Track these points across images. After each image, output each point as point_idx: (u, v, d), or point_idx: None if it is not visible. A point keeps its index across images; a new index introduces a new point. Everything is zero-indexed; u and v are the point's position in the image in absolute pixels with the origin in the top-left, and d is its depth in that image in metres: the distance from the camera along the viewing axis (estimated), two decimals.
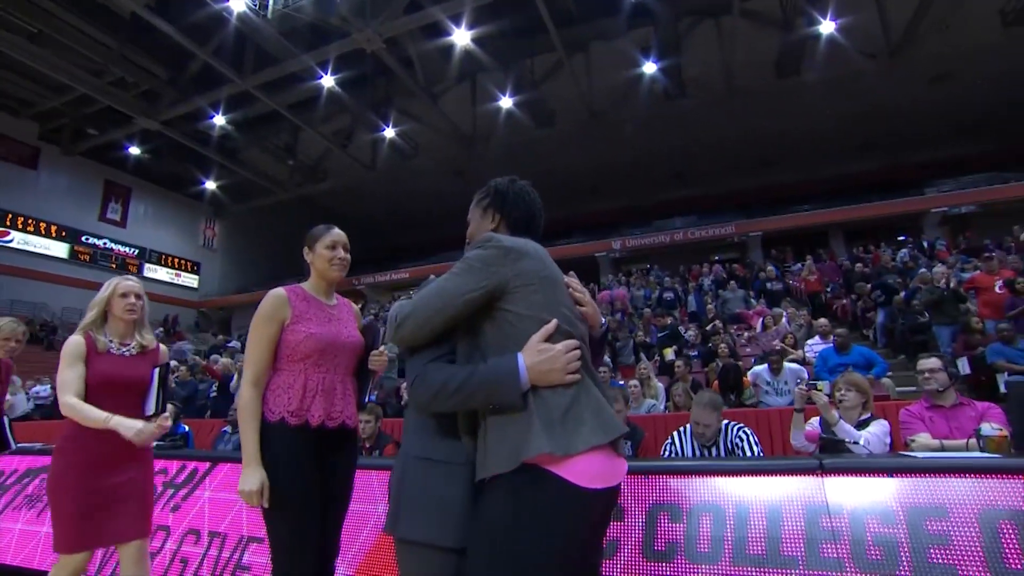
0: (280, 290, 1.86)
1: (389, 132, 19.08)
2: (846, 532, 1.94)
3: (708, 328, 7.82)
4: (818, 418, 2.88)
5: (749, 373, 5.53)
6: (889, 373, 5.71)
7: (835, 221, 18.12)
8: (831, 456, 2.22)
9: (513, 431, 1.15)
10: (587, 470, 1.12)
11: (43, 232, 20.61)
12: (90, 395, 2.12)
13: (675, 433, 3.00)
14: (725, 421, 2.90)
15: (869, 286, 8.97)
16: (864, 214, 17.56)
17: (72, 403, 2.06)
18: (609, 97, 17.37)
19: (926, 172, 18.97)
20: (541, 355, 1.18)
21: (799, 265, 11.82)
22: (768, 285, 9.58)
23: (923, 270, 8.41)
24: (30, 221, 20.41)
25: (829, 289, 10.37)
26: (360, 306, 21.71)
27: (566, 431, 1.13)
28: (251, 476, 1.64)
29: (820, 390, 2.77)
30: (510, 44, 16.04)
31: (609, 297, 11.04)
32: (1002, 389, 5.30)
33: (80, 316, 2.40)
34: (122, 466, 2.15)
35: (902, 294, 7.95)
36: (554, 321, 1.23)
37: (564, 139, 19.47)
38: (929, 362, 2.98)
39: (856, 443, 2.56)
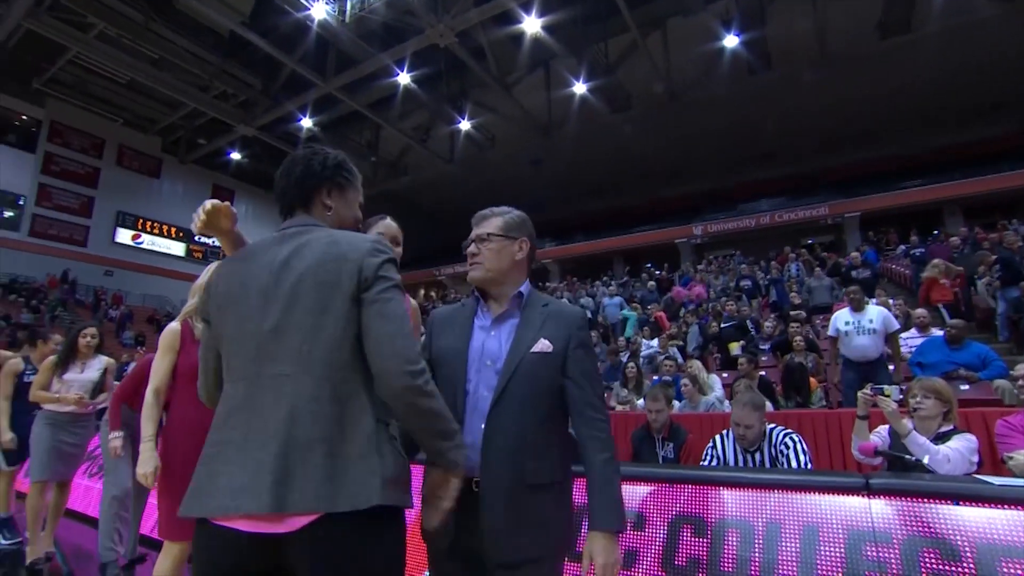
0: None
1: (465, 125, 19.37)
2: (895, 564, 1.70)
3: (790, 316, 7.16)
4: (887, 427, 2.55)
5: (831, 323, 4.97)
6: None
7: (951, 197, 16.01)
8: (879, 475, 1.94)
9: None
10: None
11: (165, 233, 23.39)
12: (185, 383, 2.10)
13: (718, 436, 2.78)
14: (771, 426, 2.64)
15: (994, 257, 7.64)
16: (990, 187, 15.35)
17: (149, 401, 2.16)
18: (688, 76, 16.47)
19: None
20: None
21: (903, 247, 10.48)
22: (854, 273, 8.44)
23: None
24: (155, 224, 23.30)
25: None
26: (441, 296, 22.39)
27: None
28: None
29: (888, 395, 2.43)
30: (581, 29, 15.65)
31: (684, 296, 10.45)
32: None
33: None
34: None
35: None
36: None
37: (641, 122, 18.75)
38: None
39: (920, 460, 2.22)
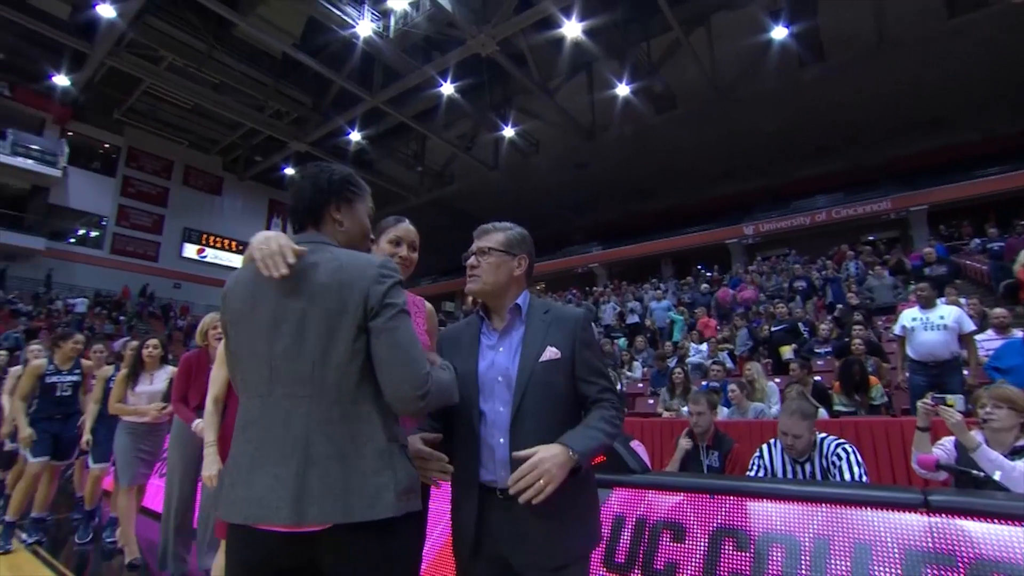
0: None
1: (509, 131, 19.45)
2: None
3: (846, 318, 6.76)
4: (953, 438, 2.37)
5: (896, 321, 4.65)
6: None
7: None
8: (940, 491, 1.80)
9: None
10: None
11: (226, 247, 24.75)
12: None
13: (765, 446, 2.65)
14: (822, 435, 2.50)
15: None
16: None
17: (209, 409, 2.32)
18: (734, 72, 15.92)
19: None
20: None
21: (977, 241, 9.67)
22: (927, 270, 7.68)
23: None
24: (218, 239, 24.74)
25: None
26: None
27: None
28: None
29: (951, 405, 2.25)
30: (622, 30, 15.46)
31: (730, 299, 10.05)
32: None
33: None
34: None
35: None
36: None
37: (688, 121, 18.27)
38: None
39: (991, 477, 2.03)
